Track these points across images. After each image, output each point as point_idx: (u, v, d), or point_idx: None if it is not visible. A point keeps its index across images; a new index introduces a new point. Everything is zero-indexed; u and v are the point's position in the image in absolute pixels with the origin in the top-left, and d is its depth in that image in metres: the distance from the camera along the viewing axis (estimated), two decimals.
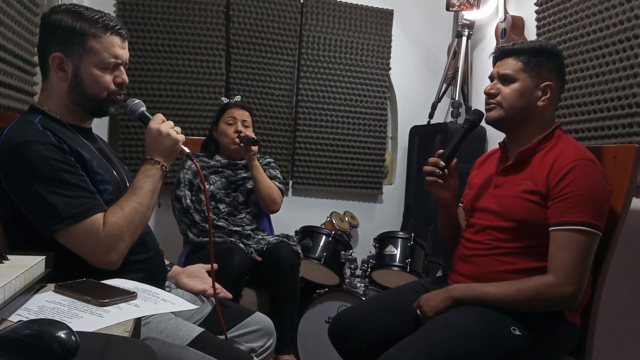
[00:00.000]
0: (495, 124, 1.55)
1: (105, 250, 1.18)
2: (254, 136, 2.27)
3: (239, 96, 2.53)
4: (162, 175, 1.31)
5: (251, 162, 2.25)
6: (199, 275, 1.56)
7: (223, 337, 1.43)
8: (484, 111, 1.59)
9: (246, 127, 2.34)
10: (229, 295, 1.54)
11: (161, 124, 1.33)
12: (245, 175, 2.36)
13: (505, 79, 1.51)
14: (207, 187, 2.28)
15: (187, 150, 1.37)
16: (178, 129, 1.35)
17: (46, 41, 1.27)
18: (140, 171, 1.30)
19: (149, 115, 1.38)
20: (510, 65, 1.51)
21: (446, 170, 1.55)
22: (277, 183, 2.38)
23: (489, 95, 1.55)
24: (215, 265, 1.48)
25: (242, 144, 2.23)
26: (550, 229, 1.39)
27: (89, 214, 1.17)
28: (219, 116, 2.40)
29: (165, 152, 1.31)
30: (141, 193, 1.25)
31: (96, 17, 1.26)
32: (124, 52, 1.31)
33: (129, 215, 1.21)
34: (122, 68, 1.32)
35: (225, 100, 2.47)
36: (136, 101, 1.40)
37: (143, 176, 1.28)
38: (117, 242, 1.19)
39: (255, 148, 2.23)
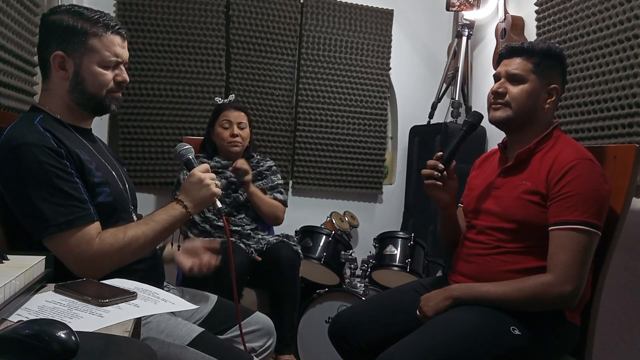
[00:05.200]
0: (501, 124, 1.53)
1: (88, 264, 1.17)
2: (245, 167, 2.22)
3: (233, 95, 2.48)
4: (183, 219, 1.31)
5: (248, 190, 2.25)
6: (195, 253, 1.53)
7: (227, 335, 1.46)
8: (486, 112, 1.59)
9: (242, 128, 2.32)
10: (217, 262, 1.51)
11: (205, 172, 1.34)
12: None
13: (514, 79, 1.50)
14: None
15: (219, 205, 1.37)
16: (218, 182, 1.36)
17: (47, 41, 1.27)
18: (165, 207, 1.31)
19: (194, 162, 1.40)
20: (520, 65, 1.49)
21: (445, 172, 1.54)
22: (278, 196, 2.38)
23: (497, 94, 1.52)
24: (216, 246, 1.51)
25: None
26: (549, 228, 1.39)
27: (76, 223, 1.16)
28: (214, 118, 2.38)
29: (198, 200, 1.32)
30: (152, 226, 1.26)
31: (96, 16, 1.27)
32: (124, 52, 1.32)
33: (127, 241, 1.21)
34: (122, 67, 1.32)
35: (219, 100, 2.42)
36: (187, 146, 1.42)
37: (164, 211, 1.29)
38: (103, 261, 1.19)
39: (249, 177, 2.22)
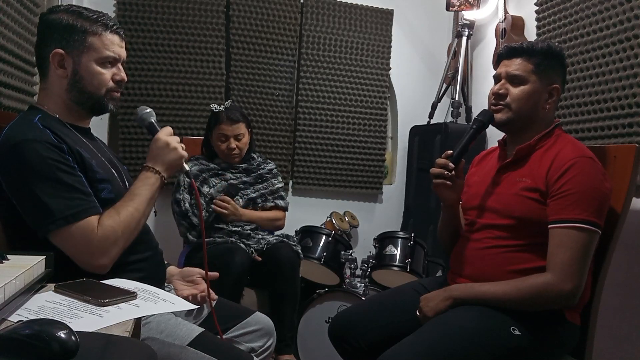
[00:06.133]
0: (502, 125, 1.53)
1: (97, 253, 1.17)
2: (222, 210, 2.20)
3: (229, 101, 2.38)
4: (160, 185, 1.31)
5: (240, 220, 2.24)
6: (192, 280, 1.50)
7: (227, 335, 1.45)
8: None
9: (240, 140, 2.29)
10: (214, 297, 1.47)
11: (169, 136, 1.35)
12: (245, 179, 2.35)
13: (515, 80, 1.49)
14: (208, 189, 2.27)
15: (187, 167, 1.38)
16: (183, 145, 1.36)
17: (46, 39, 1.27)
18: (140, 178, 1.30)
19: (157, 126, 1.39)
20: (521, 66, 1.48)
21: (454, 171, 1.52)
22: (280, 202, 2.38)
23: (498, 96, 1.51)
24: (216, 274, 1.47)
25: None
26: (549, 226, 1.39)
27: (83, 215, 1.16)
28: (210, 126, 2.33)
29: (168, 164, 1.32)
30: (139, 199, 1.25)
31: (95, 16, 1.28)
32: (122, 51, 1.33)
33: (125, 220, 1.21)
34: (120, 66, 1.33)
35: (215, 108, 2.32)
36: (147, 110, 1.41)
37: (142, 183, 1.28)
38: (110, 246, 1.18)
39: (230, 218, 2.20)
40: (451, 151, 1.54)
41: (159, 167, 1.31)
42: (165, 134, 1.35)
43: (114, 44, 1.30)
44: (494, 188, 1.54)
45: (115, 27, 1.30)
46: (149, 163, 1.32)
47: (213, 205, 2.20)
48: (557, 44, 1.55)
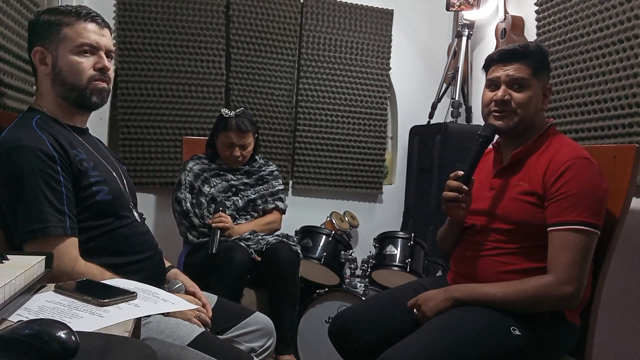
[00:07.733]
0: (506, 132, 1.50)
1: (59, 270, 1.14)
2: (222, 225, 2.15)
3: (242, 109, 2.34)
4: None
5: (241, 232, 2.22)
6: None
7: (227, 335, 1.46)
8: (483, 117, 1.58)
9: (245, 149, 2.29)
10: (208, 321, 1.42)
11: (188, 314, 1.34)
12: (246, 181, 2.35)
13: (518, 85, 1.46)
14: (208, 189, 2.27)
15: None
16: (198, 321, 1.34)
17: (30, 41, 1.30)
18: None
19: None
20: (522, 70, 1.46)
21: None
22: (280, 204, 2.39)
23: (503, 102, 1.47)
24: (202, 302, 1.46)
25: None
26: (548, 229, 1.39)
27: (51, 232, 1.16)
28: (218, 129, 2.31)
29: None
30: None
31: (70, 8, 1.29)
32: (101, 39, 1.30)
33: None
34: (102, 54, 1.31)
35: (225, 113, 2.29)
36: (178, 285, 1.44)
37: None
38: (73, 273, 1.17)
39: (229, 232, 2.16)
40: (462, 172, 1.50)
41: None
42: (188, 314, 1.33)
43: (89, 32, 1.28)
44: (491, 192, 1.53)
45: (90, 15, 1.29)
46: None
47: (213, 225, 2.16)
48: (542, 44, 1.54)
